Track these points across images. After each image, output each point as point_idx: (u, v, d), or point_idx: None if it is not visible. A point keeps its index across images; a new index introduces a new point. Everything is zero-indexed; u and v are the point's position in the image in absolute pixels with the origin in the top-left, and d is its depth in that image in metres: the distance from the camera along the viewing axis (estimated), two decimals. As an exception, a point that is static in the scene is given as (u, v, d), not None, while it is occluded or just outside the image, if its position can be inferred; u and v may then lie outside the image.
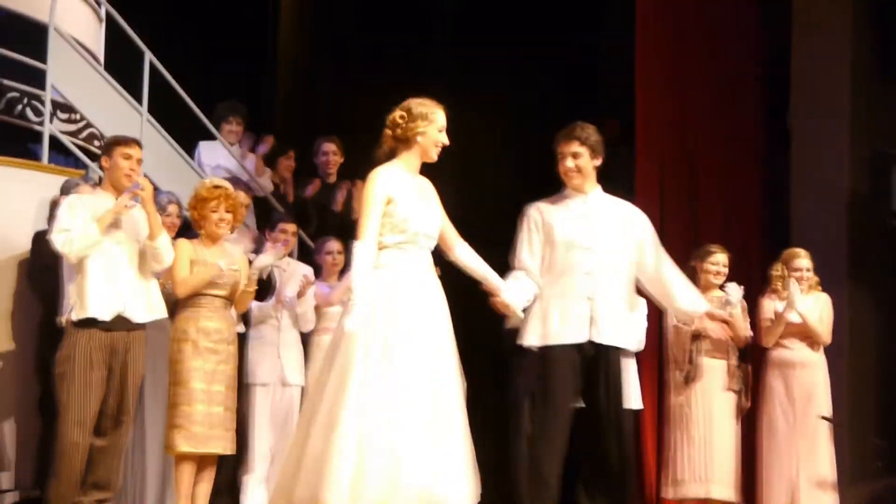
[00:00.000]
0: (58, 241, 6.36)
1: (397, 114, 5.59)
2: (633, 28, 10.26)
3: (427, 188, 5.66)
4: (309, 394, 5.50)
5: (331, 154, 9.48)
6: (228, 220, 7.04)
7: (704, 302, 6.57)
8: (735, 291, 8.13)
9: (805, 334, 8.18)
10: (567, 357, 6.03)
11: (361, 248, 5.37)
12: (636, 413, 8.59)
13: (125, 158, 6.56)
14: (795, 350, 8.21)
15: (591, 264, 6.09)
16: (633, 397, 8.32)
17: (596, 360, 6.09)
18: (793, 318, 8.14)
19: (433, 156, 5.62)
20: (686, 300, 6.44)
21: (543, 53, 10.69)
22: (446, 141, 5.61)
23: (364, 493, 5.07)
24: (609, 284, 6.11)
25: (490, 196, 10.56)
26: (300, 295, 7.80)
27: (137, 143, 6.65)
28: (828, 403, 8.15)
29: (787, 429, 8.14)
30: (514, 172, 10.59)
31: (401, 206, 5.46)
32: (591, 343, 6.06)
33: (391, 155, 5.62)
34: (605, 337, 6.07)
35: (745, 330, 8.27)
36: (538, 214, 6.19)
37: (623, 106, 10.39)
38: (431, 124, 5.56)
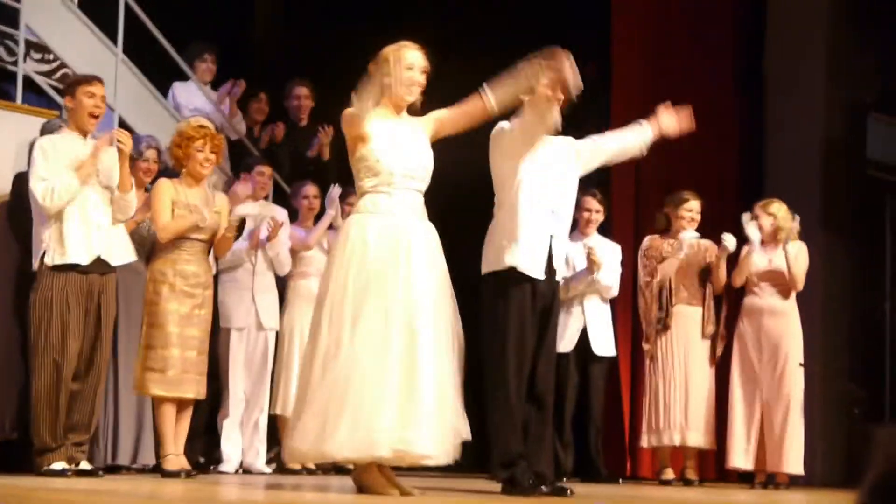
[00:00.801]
0: (37, 190, 6.33)
1: (371, 62, 5.52)
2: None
3: (413, 129, 5.51)
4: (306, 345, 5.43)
5: (302, 98, 9.43)
6: (213, 160, 7.02)
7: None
8: (730, 242, 8.20)
9: (776, 281, 8.21)
10: None
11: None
12: (613, 361, 8.67)
13: (89, 97, 6.52)
14: (765, 297, 8.24)
15: None
16: (609, 345, 8.41)
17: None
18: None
19: (405, 95, 5.47)
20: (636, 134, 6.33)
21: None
22: (418, 78, 5.45)
23: (329, 444, 5.08)
24: None
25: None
26: (270, 238, 7.79)
27: (100, 80, 6.60)
28: (799, 351, 8.19)
29: (755, 375, 8.20)
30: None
31: (373, 145, 5.35)
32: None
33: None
34: None
35: (723, 278, 8.32)
36: None
37: (598, 51, 10.36)
38: (398, 63, 5.45)
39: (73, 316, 6.38)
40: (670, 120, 6.29)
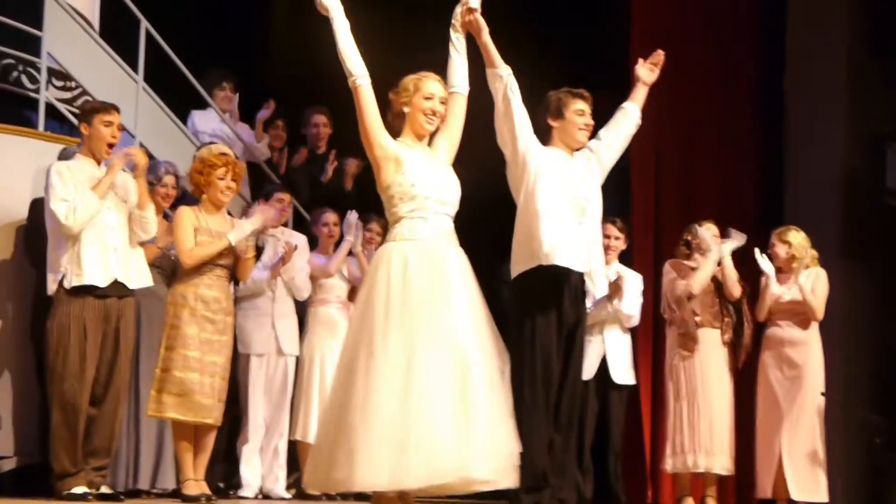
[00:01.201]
0: (59, 211, 6.35)
1: (391, 92, 5.54)
2: (629, 5, 10.25)
3: (436, 156, 5.51)
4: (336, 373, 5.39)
5: (321, 126, 9.46)
6: (234, 189, 7.03)
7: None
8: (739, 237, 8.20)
9: (795, 311, 8.20)
10: None
11: None
12: (632, 388, 8.65)
13: (106, 126, 6.55)
14: (786, 328, 8.24)
15: None
16: (628, 373, 8.39)
17: None
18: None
19: (424, 124, 5.47)
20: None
21: (539, 26, 10.65)
22: (436, 108, 5.45)
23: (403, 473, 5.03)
24: None
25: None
26: (284, 261, 7.78)
27: (116, 109, 6.64)
28: (820, 381, 8.17)
29: (778, 407, 8.18)
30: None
31: (406, 171, 5.34)
32: None
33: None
34: None
35: (734, 283, 8.30)
36: None
37: (617, 80, 10.37)
38: (417, 93, 5.45)
39: (91, 341, 6.40)
40: (646, 72, 6.65)
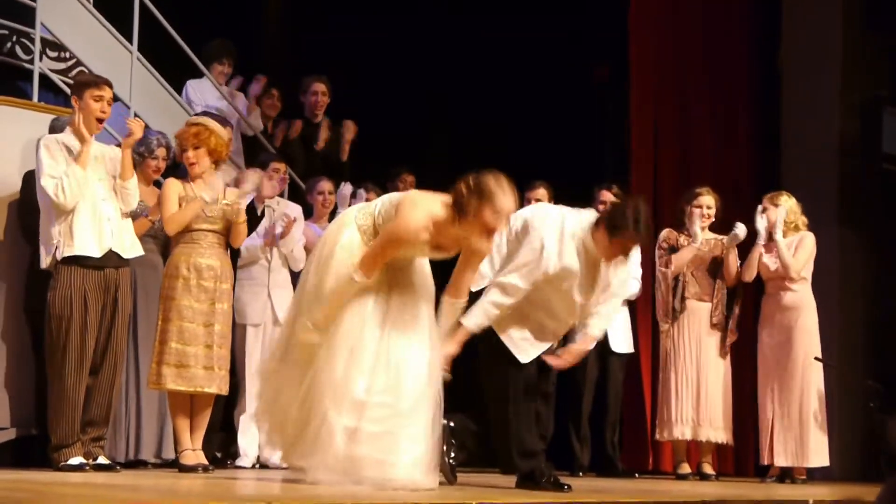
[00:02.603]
0: (49, 188, 6.34)
1: (464, 184, 5.32)
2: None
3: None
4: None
5: (319, 94, 9.42)
6: (197, 157, 6.92)
7: None
8: (741, 229, 8.20)
9: (783, 278, 8.21)
10: None
11: None
12: (630, 358, 8.67)
13: (96, 100, 6.52)
14: (777, 293, 8.26)
15: None
16: (627, 342, 8.42)
17: None
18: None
19: (482, 246, 5.48)
20: None
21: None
22: (496, 226, 5.33)
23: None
24: None
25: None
26: (283, 235, 7.78)
27: (108, 83, 6.60)
28: (813, 346, 8.18)
29: (772, 372, 8.20)
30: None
31: None
32: None
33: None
34: None
35: (731, 276, 8.31)
36: None
37: (614, 50, 10.37)
38: (488, 205, 5.29)
39: (92, 311, 6.40)
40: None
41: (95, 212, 6.45)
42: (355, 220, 5.55)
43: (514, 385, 5.91)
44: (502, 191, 5.27)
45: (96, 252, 6.43)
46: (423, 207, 5.36)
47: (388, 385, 5.34)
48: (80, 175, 6.38)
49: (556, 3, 10.63)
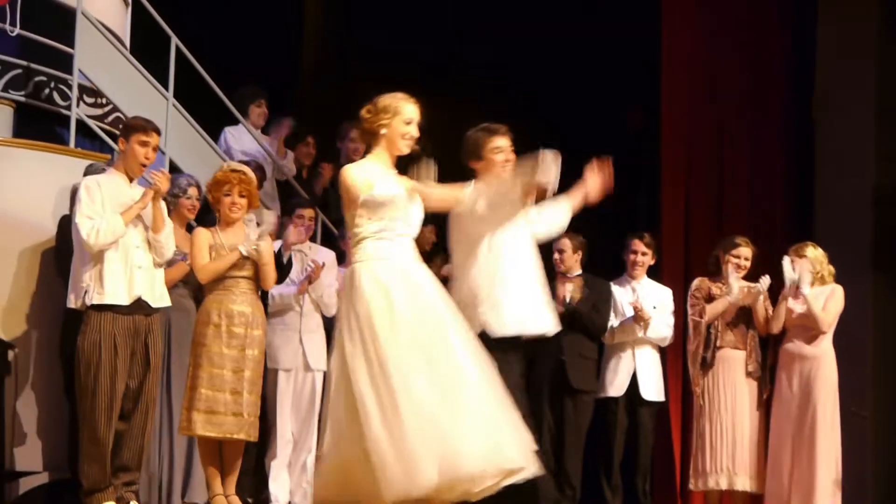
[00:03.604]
0: (83, 228, 6.37)
1: (365, 108, 5.57)
2: (660, 18, 10.24)
3: (404, 181, 5.59)
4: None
5: (358, 141, 9.44)
6: (242, 205, 7.03)
7: None
8: (765, 282, 8.15)
9: (806, 327, 8.14)
10: None
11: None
12: (661, 406, 8.63)
13: (141, 145, 6.57)
14: (798, 343, 8.17)
15: None
16: (658, 390, 8.38)
17: None
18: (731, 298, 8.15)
19: (402, 148, 5.56)
20: None
21: (568, 41, 10.67)
22: (415, 133, 5.54)
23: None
24: None
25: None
26: (310, 280, 7.80)
27: (156, 130, 6.66)
28: (832, 397, 8.12)
29: (789, 422, 8.13)
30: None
31: (378, 192, 5.43)
32: None
33: (368, 151, 5.62)
34: None
35: (760, 325, 8.26)
36: None
37: (647, 94, 10.39)
38: (396, 116, 5.51)
39: (121, 357, 6.42)
40: (595, 182, 6.35)
41: (127, 259, 6.48)
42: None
43: None
44: (402, 97, 5.54)
45: (125, 300, 6.46)
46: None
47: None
48: (120, 229, 6.41)
49: (586, 49, 10.63)
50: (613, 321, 8.29)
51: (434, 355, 5.26)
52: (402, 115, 5.53)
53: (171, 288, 6.90)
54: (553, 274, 8.23)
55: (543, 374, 8.17)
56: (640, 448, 8.34)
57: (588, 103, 10.61)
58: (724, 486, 8.16)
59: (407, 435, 5.11)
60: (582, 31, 10.57)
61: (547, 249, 8.29)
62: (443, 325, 5.35)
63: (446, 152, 5.77)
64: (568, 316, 7.95)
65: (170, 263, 6.82)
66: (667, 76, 10.23)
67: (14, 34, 8.13)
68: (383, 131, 5.52)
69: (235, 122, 9.40)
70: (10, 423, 6.96)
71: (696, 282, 8.48)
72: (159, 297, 6.64)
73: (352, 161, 9.35)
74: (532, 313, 6.12)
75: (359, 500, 5.24)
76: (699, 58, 10.35)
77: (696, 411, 8.36)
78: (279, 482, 7.74)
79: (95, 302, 6.39)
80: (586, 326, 8.14)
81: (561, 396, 8.15)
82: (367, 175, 5.48)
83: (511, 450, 5.23)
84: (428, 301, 5.39)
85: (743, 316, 8.31)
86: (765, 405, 8.28)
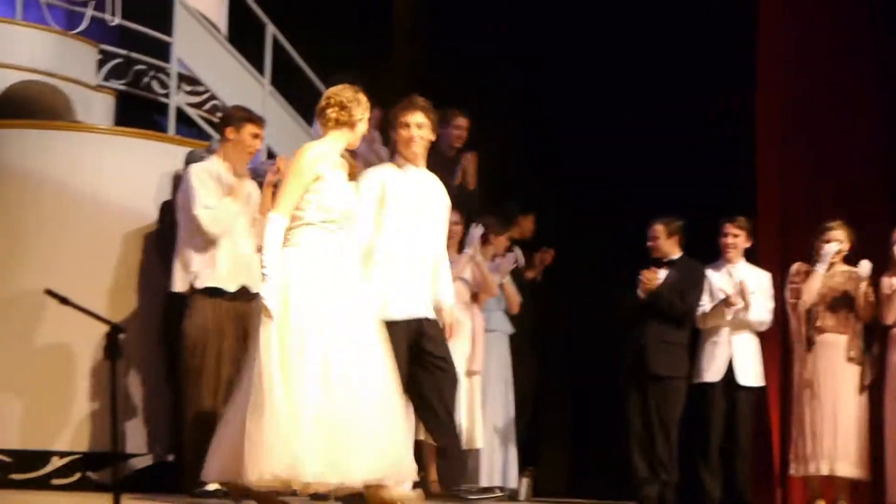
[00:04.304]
0: (204, 218, 6.48)
1: (345, 95, 5.59)
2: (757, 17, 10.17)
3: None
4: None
5: (463, 129, 9.43)
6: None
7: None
8: (865, 267, 8.05)
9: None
10: None
11: (275, 222, 5.40)
12: (761, 391, 8.56)
13: (254, 137, 6.65)
14: None
15: None
16: (756, 375, 8.31)
17: None
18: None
19: (357, 145, 5.68)
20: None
21: (662, 23, 10.60)
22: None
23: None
24: None
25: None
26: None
27: (264, 122, 6.79)
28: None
29: None
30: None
31: (329, 184, 5.45)
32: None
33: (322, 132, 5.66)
34: None
35: (866, 304, 8.15)
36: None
37: (741, 77, 10.31)
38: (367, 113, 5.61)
39: (227, 341, 6.50)
40: None
41: (235, 246, 6.56)
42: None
43: None
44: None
45: (232, 287, 6.55)
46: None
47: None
48: (234, 209, 6.51)
49: (680, 30, 10.54)
50: (706, 306, 8.24)
51: (331, 356, 5.31)
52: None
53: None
54: (648, 260, 8.24)
55: (626, 361, 8.19)
56: (738, 433, 8.27)
57: (682, 85, 10.52)
58: (825, 471, 8.08)
59: (302, 423, 5.19)
60: (677, 11, 10.47)
61: (641, 235, 8.32)
62: (348, 326, 5.39)
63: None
64: (650, 302, 8.03)
65: None
66: (761, 58, 10.12)
67: (114, 24, 8.27)
68: (360, 126, 5.61)
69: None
70: (123, 405, 7.07)
71: (794, 266, 8.41)
72: (258, 284, 6.70)
73: (453, 149, 9.46)
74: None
75: (239, 472, 5.29)
76: (795, 38, 10.22)
77: (797, 396, 8.28)
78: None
79: (207, 285, 6.47)
80: (665, 311, 8.09)
81: (647, 382, 8.12)
82: (324, 161, 5.51)
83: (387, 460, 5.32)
84: (339, 301, 5.41)
85: (844, 300, 8.21)
86: (867, 391, 8.18)
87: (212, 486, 6.32)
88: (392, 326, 5.77)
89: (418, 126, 6.21)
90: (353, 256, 5.59)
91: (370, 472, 5.24)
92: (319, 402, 5.20)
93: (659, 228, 8.22)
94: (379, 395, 5.34)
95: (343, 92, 5.60)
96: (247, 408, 5.24)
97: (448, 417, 6.15)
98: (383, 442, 5.30)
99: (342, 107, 5.56)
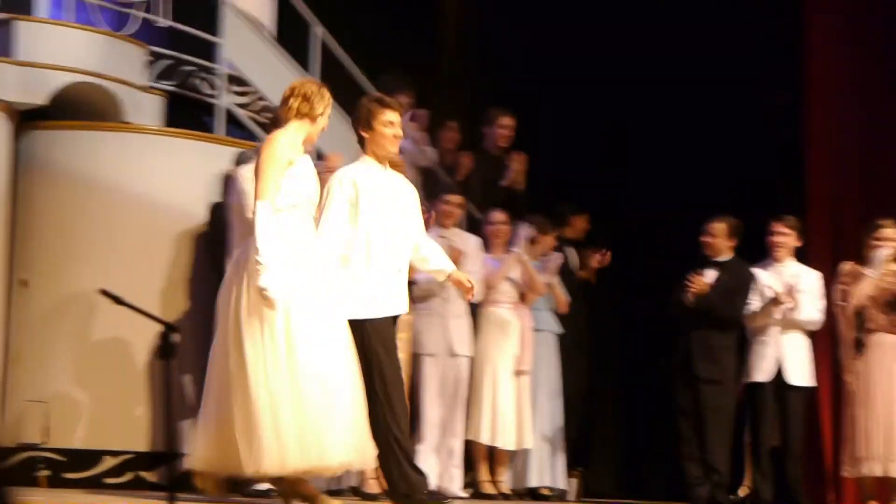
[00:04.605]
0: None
1: (310, 88, 5.65)
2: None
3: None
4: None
5: (507, 128, 9.44)
6: None
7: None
8: None
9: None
10: None
11: (265, 209, 5.38)
12: (812, 391, 8.50)
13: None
14: None
15: None
16: (806, 375, 8.26)
17: None
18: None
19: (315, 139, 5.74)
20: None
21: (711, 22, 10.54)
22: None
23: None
24: None
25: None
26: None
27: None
28: None
29: None
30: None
31: (297, 169, 5.50)
32: None
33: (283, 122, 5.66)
34: None
35: None
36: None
37: (789, 72, 10.25)
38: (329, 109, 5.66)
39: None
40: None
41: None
42: None
43: None
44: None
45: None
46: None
47: None
48: None
49: (730, 28, 10.47)
50: (756, 305, 8.18)
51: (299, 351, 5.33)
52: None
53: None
54: (697, 259, 8.19)
55: (674, 363, 8.16)
56: (789, 433, 8.23)
57: (732, 84, 10.46)
58: (878, 473, 8.02)
59: (287, 414, 5.23)
60: (726, 10, 10.41)
61: (694, 232, 8.28)
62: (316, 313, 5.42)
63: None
64: (697, 306, 8.00)
65: None
66: (811, 52, 10.06)
67: (163, 25, 8.31)
68: (320, 120, 5.66)
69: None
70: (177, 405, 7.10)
71: (843, 266, 8.34)
72: None
73: (499, 148, 9.45)
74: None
75: (227, 466, 5.32)
76: (845, 34, 10.15)
77: (849, 397, 8.22)
78: (426, 466, 7.75)
79: None
80: (714, 315, 8.04)
81: (696, 384, 8.08)
82: (293, 148, 5.54)
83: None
84: (307, 286, 5.44)
85: (891, 297, 8.15)
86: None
87: (263, 486, 6.35)
88: (383, 322, 5.96)
89: (398, 124, 6.20)
90: (314, 243, 5.62)
91: (345, 456, 5.34)
92: (298, 390, 5.27)
93: (720, 227, 8.17)
94: (347, 383, 5.41)
95: (308, 85, 5.69)
96: (228, 400, 5.31)
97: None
98: (356, 428, 5.39)
99: (305, 98, 5.60)
